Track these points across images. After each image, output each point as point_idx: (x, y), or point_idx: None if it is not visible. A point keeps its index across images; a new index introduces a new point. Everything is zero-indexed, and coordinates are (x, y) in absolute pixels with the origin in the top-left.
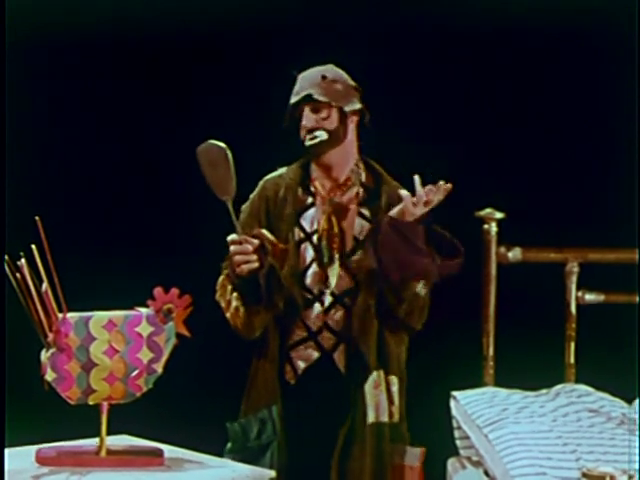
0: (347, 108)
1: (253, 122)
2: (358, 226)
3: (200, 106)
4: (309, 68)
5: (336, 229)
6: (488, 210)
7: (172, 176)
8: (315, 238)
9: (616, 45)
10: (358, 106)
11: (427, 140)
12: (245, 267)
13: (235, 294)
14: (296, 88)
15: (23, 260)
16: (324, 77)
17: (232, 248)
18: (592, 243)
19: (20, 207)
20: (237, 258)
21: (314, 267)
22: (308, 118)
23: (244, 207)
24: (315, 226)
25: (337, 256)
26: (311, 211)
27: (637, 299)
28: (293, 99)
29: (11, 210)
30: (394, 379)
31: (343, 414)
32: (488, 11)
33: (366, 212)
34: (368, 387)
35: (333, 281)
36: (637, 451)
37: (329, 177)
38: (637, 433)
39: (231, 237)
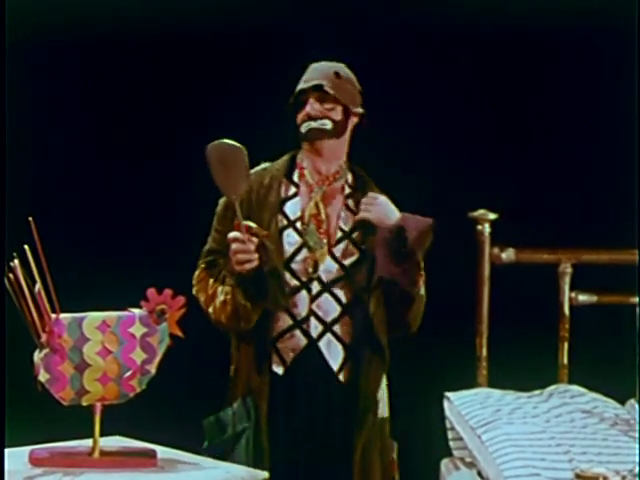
0: (352, 108)
1: (253, 122)
2: (344, 217)
3: (200, 106)
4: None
5: (323, 215)
6: (481, 211)
7: (167, 177)
8: (299, 225)
9: (616, 45)
10: (361, 110)
11: (420, 141)
12: (247, 266)
13: (221, 288)
14: (305, 77)
15: (16, 261)
16: (337, 74)
17: (234, 246)
18: (585, 244)
19: (13, 207)
20: (239, 257)
21: (304, 252)
22: (313, 106)
23: (221, 200)
24: (298, 214)
25: (325, 241)
26: (295, 200)
27: (630, 300)
28: (302, 85)
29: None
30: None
31: (334, 406)
32: (488, 11)
33: (352, 204)
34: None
35: (322, 266)
36: (637, 452)
37: (319, 169)
38: (637, 436)
39: (233, 234)
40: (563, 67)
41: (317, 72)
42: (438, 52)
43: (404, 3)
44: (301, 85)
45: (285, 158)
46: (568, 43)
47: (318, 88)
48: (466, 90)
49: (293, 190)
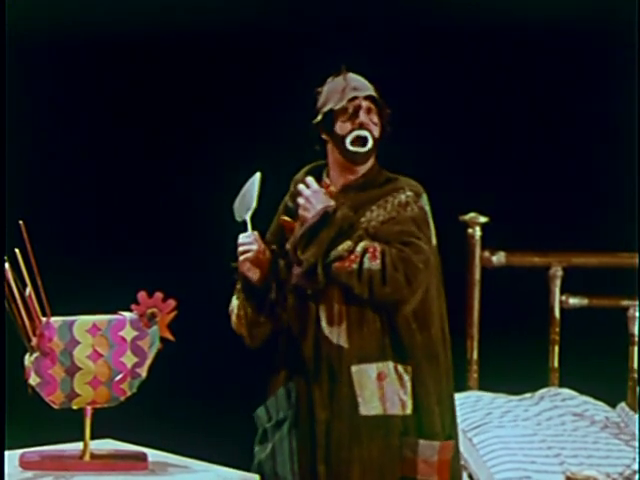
0: (387, 127)
1: (251, 123)
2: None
3: (199, 107)
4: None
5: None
6: (472, 214)
7: (160, 180)
8: None
9: (616, 45)
10: (387, 128)
11: (411, 144)
12: (248, 255)
13: (237, 302)
14: (352, 84)
15: (7, 264)
16: (377, 91)
17: (240, 239)
18: (576, 247)
19: (5, 210)
20: (240, 248)
21: None
22: (364, 116)
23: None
24: None
25: None
26: None
27: (621, 303)
28: (354, 93)
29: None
30: (407, 368)
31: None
32: (485, 11)
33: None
34: (367, 378)
35: None
36: (637, 453)
37: (347, 176)
38: (637, 437)
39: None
40: (557, 68)
41: (362, 84)
42: (432, 54)
43: (404, 3)
44: (353, 93)
45: (305, 171)
46: (567, 43)
47: (373, 99)
48: (458, 92)
49: None
